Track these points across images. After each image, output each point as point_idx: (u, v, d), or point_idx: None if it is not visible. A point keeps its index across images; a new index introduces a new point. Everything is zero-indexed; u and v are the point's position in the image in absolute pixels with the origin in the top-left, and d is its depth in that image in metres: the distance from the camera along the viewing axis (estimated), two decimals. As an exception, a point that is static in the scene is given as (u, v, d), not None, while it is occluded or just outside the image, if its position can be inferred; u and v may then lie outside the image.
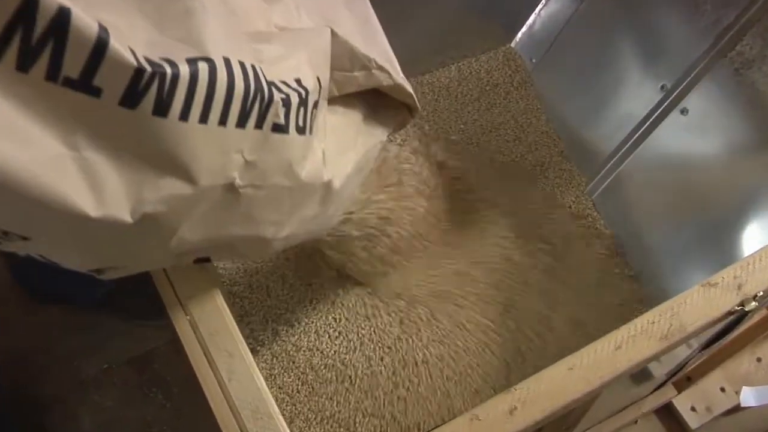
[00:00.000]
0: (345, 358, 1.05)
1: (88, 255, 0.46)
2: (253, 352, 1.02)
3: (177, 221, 0.44)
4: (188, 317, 0.61)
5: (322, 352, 1.05)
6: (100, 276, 0.49)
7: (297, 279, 1.10)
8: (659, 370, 0.99)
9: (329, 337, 1.06)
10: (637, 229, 1.23)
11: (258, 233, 0.52)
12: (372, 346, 1.06)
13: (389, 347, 1.05)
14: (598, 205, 1.27)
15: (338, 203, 0.61)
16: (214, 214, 0.46)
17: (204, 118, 0.42)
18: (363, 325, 1.07)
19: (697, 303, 0.65)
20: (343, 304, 1.09)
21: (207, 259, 0.56)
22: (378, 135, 0.63)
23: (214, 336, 0.60)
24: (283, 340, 1.06)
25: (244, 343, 0.60)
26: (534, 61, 1.41)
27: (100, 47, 0.36)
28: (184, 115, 0.41)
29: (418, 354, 1.04)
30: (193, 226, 0.46)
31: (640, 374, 0.96)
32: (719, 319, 0.66)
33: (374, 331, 1.07)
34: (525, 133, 1.34)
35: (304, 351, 1.05)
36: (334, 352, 1.05)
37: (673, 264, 1.18)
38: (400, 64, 0.64)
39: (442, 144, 1.28)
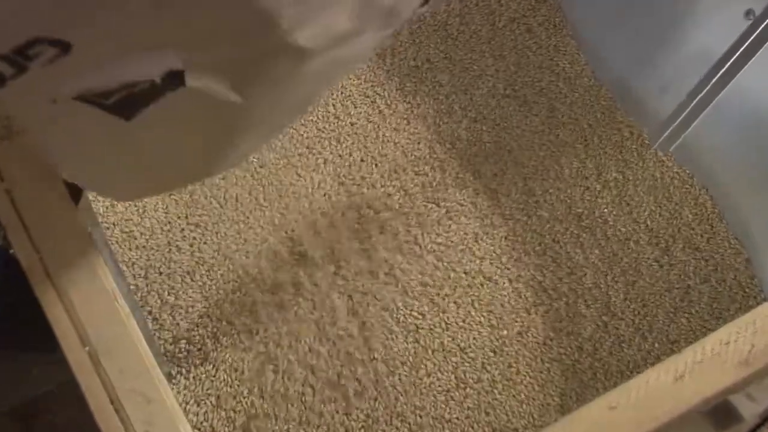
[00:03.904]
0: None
1: None
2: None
3: None
4: (87, 348, 0.61)
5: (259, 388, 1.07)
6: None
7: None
8: (750, 410, 0.99)
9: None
10: (718, 200, 1.26)
11: (275, 6, 0.51)
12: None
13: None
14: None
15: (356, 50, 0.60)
16: None
17: None
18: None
19: (789, 314, 0.66)
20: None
21: (180, 78, 0.54)
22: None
23: (124, 374, 0.61)
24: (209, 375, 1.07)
25: (166, 382, 0.61)
26: (567, -16, 1.42)
27: None
28: None
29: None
30: None
31: (722, 415, 0.97)
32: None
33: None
34: (557, 85, 1.36)
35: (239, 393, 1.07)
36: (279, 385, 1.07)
37: (765, 243, 1.21)
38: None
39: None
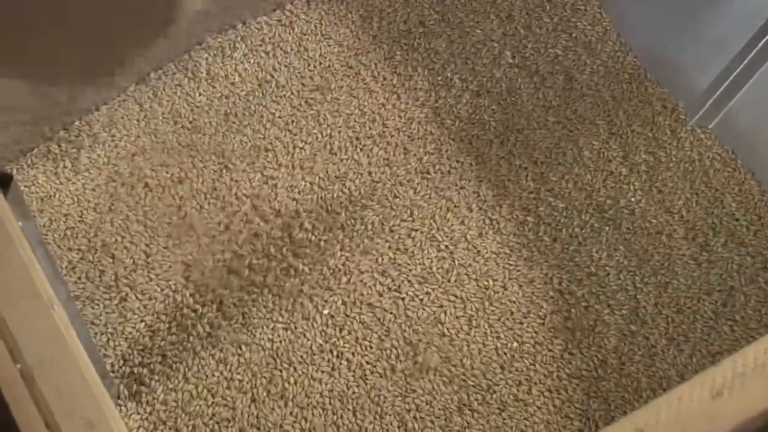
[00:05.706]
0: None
1: None
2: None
3: None
4: (18, 366, 0.62)
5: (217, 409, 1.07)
6: None
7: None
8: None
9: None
10: (767, 185, 1.27)
11: None
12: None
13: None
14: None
15: None
16: None
17: None
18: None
19: None
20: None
21: None
22: None
23: (62, 395, 0.61)
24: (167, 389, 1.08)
25: (112, 405, 0.61)
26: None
27: None
28: None
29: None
30: None
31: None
32: None
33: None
34: (574, 51, 1.37)
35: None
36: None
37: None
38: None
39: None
